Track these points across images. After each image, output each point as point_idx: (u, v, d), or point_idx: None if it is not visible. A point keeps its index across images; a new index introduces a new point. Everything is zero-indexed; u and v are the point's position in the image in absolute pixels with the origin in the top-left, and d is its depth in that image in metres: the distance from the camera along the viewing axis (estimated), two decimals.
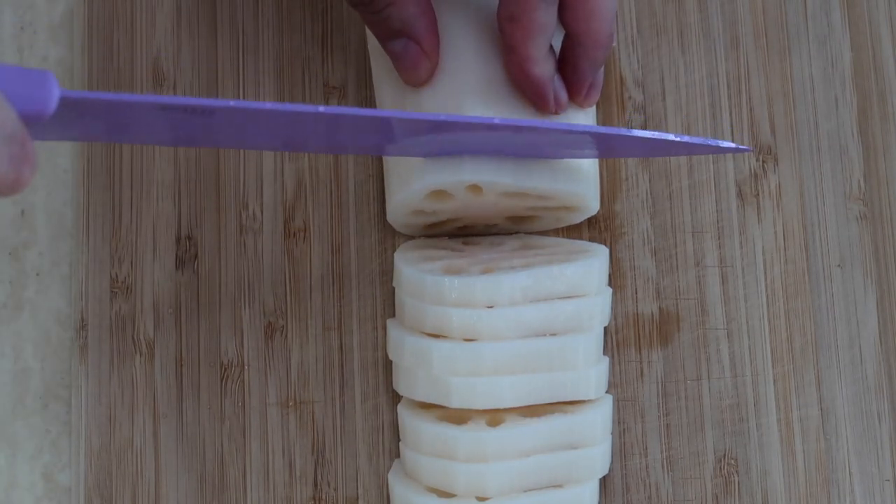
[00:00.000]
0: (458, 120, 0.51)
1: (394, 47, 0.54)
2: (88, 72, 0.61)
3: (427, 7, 0.54)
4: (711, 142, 0.55)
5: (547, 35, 0.53)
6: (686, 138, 0.54)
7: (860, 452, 0.58)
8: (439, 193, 0.54)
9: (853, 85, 0.61)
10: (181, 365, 0.59)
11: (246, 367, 0.59)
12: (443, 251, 0.57)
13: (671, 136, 0.54)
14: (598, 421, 0.55)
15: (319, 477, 0.58)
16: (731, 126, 0.60)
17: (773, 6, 0.61)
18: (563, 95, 0.55)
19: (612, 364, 0.58)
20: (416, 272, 0.55)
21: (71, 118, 0.49)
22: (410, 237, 0.59)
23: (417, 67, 0.54)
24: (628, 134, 0.53)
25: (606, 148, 0.55)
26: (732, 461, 0.58)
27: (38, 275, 0.62)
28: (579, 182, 0.55)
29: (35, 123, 0.46)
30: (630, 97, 0.61)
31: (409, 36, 0.54)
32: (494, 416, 0.54)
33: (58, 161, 0.62)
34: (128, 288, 0.60)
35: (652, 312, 0.59)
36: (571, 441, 0.55)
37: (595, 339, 0.55)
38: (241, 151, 0.61)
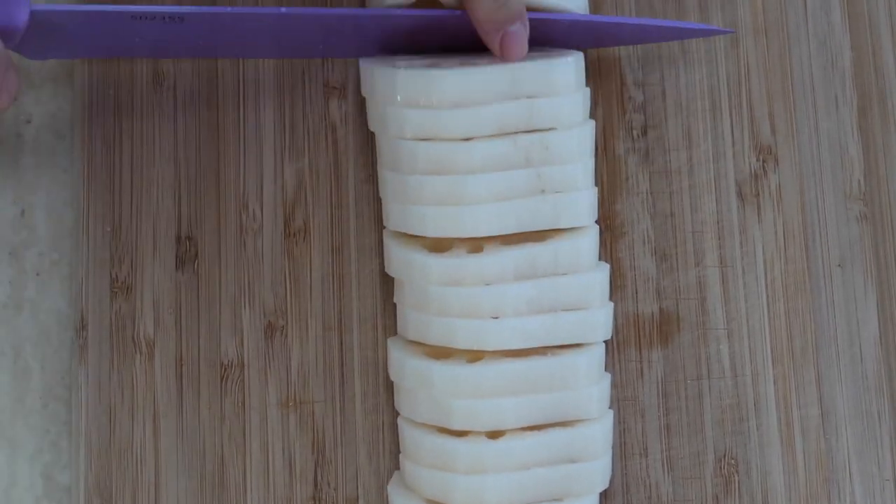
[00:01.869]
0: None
1: (515, 29, 0.55)
2: (88, 72, 0.61)
3: None
4: (685, 25, 0.59)
5: None
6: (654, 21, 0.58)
7: (860, 452, 0.58)
8: None
9: (853, 84, 0.61)
10: (181, 365, 0.59)
11: (246, 367, 0.59)
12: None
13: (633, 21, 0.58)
14: (598, 436, 0.55)
15: (319, 477, 0.58)
16: (732, 126, 0.60)
17: (772, 6, 0.61)
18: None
19: (612, 364, 0.58)
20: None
21: (46, 34, 0.49)
22: None
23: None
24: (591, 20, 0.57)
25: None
26: (732, 461, 0.58)
27: (38, 275, 0.62)
28: None
29: (9, 40, 0.46)
30: (630, 97, 0.61)
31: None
32: (495, 430, 0.54)
33: (58, 161, 0.62)
34: (128, 288, 0.60)
35: (652, 312, 0.59)
36: (571, 455, 0.54)
37: (597, 356, 0.55)
38: (242, 151, 0.61)
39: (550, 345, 0.55)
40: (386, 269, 0.57)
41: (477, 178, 0.53)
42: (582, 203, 0.55)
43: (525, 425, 0.54)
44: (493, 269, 0.54)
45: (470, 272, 0.54)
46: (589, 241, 0.55)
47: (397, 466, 0.58)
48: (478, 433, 0.54)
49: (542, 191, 0.54)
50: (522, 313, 0.54)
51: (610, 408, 0.57)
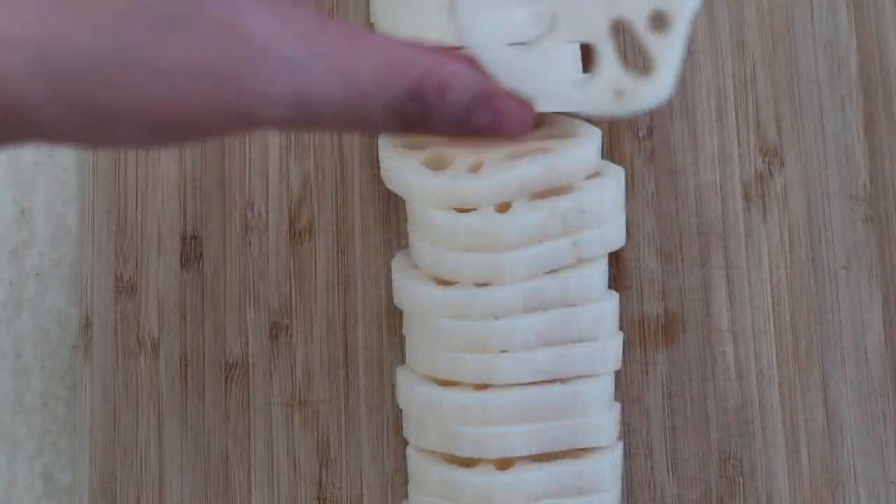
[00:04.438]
0: None
1: (480, 120, 0.43)
2: None
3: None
4: None
5: None
6: None
7: (865, 455, 0.58)
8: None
9: (859, 87, 0.61)
10: (186, 364, 0.59)
11: (250, 367, 0.59)
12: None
13: None
14: (607, 467, 0.54)
15: (324, 477, 0.58)
16: (737, 127, 0.60)
17: (779, 8, 0.61)
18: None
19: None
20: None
21: None
22: None
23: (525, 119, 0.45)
24: None
25: None
26: (737, 463, 0.58)
27: (38, 275, 0.61)
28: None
29: None
30: None
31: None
32: (503, 460, 0.54)
33: (58, 161, 0.62)
34: (132, 287, 0.60)
35: (657, 313, 0.59)
36: (580, 487, 0.54)
37: (607, 385, 0.55)
38: (247, 150, 0.60)
39: (560, 376, 0.54)
40: (395, 301, 0.57)
41: (517, 254, 0.53)
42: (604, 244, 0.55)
43: (534, 453, 0.53)
44: (503, 302, 0.53)
45: (479, 306, 0.53)
46: (599, 270, 0.55)
47: (401, 467, 0.58)
48: (486, 463, 0.53)
49: (579, 259, 0.55)
50: (532, 346, 0.53)
51: (619, 439, 0.56)
